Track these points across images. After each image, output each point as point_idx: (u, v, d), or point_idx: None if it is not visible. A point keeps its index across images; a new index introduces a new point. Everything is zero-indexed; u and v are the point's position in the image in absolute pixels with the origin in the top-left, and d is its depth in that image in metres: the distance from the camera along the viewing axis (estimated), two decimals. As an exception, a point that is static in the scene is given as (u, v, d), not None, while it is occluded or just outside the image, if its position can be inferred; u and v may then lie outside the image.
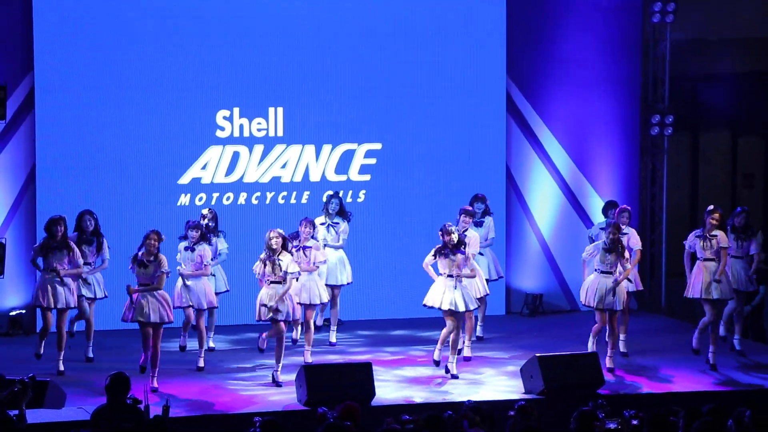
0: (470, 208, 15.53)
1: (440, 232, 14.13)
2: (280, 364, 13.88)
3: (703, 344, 14.88)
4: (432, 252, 14.15)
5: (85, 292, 14.75)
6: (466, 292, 14.16)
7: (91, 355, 15.01)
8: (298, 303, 14.32)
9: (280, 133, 17.38)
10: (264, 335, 13.90)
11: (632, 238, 15.47)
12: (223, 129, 17.22)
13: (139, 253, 13.73)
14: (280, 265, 13.76)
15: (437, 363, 14.28)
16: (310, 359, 14.75)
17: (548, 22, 18.10)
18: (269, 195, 17.39)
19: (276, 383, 13.80)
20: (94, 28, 16.66)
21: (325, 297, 15.09)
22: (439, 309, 14.07)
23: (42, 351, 14.29)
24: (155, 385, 13.55)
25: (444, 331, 14.18)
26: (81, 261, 14.37)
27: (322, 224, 15.79)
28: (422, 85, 17.69)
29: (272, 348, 13.96)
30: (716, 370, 14.61)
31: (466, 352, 15.08)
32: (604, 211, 16.50)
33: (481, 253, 15.61)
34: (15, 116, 16.47)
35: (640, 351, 15.61)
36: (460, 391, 13.70)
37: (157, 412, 10.43)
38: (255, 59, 17.20)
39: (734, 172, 20.61)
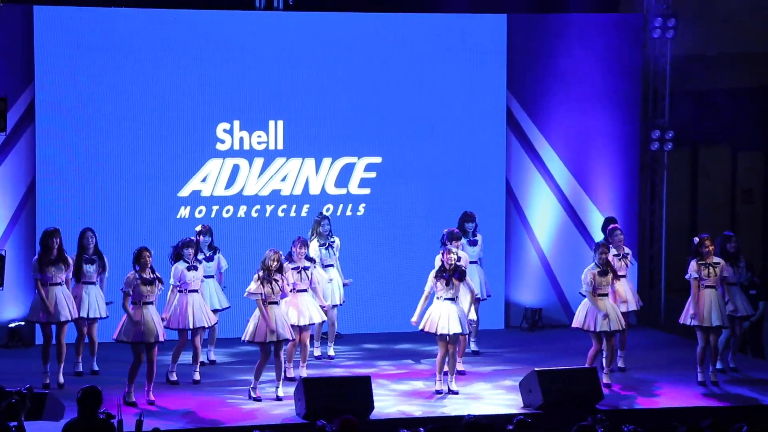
0: (457, 231, 15.44)
1: (442, 252, 14.14)
2: (256, 381, 13.91)
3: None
4: (432, 275, 14.13)
5: (85, 313, 14.75)
6: (462, 315, 14.18)
7: (96, 368, 14.98)
8: (292, 324, 14.33)
9: (280, 146, 17.39)
10: (256, 388, 13.93)
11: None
12: (223, 142, 17.23)
13: (140, 274, 13.64)
14: (278, 285, 13.78)
15: (440, 392, 14.23)
16: (305, 374, 14.76)
17: (549, 37, 18.12)
18: (269, 208, 17.39)
19: (254, 399, 13.86)
20: (94, 41, 16.68)
21: (319, 317, 14.95)
22: (438, 334, 14.06)
23: (49, 374, 14.24)
24: (152, 398, 13.52)
25: (438, 358, 14.18)
26: (70, 274, 14.40)
27: (322, 245, 15.74)
28: (423, 98, 17.71)
29: (268, 362, 13.98)
30: (717, 386, 14.62)
31: (459, 367, 15.04)
32: (603, 228, 16.46)
33: None
34: (15, 128, 16.48)
35: (639, 366, 15.60)
36: (459, 405, 13.70)
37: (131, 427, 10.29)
38: (255, 72, 17.23)
39: (734, 188, 20.62)
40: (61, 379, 14.26)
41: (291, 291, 14.45)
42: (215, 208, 17.20)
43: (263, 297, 13.72)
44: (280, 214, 17.40)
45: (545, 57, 18.11)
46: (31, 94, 16.59)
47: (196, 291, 14.56)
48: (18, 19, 16.53)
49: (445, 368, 14.20)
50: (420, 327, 14.20)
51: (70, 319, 14.30)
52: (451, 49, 17.75)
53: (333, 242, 15.86)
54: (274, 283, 13.74)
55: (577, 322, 14.57)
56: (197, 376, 14.65)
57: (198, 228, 15.40)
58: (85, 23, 16.67)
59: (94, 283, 14.80)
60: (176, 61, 16.98)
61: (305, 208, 17.41)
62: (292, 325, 14.32)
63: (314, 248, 15.63)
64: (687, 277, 14.72)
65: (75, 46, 16.64)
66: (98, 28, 16.70)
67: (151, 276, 13.65)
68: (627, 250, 15.57)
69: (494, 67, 17.90)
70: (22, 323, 16.39)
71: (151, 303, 13.67)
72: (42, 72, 16.57)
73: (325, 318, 15.16)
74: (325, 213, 16.45)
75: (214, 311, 15.10)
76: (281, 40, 17.30)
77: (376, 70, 17.58)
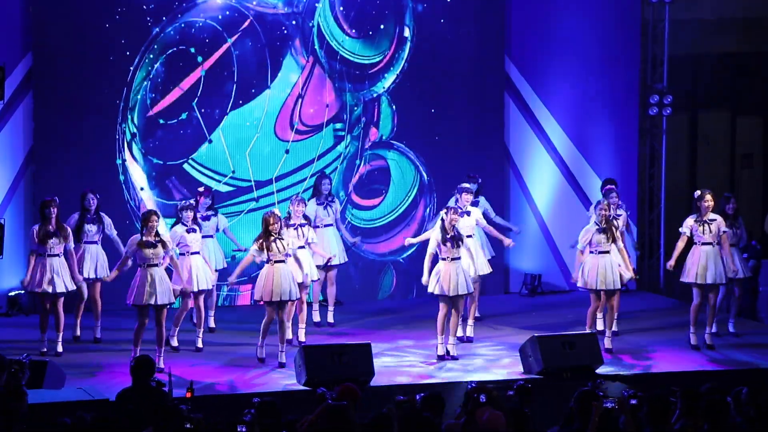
0: (469, 186, 15.39)
1: (444, 212, 14.07)
2: (263, 339, 13.94)
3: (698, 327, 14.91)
4: (434, 241, 14.10)
5: (90, 272, 14.73)
6: (466, 274, 14.19)
7: (99, 335, 14.97)
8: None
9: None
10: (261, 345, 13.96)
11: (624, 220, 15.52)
12: (221, 110, 17.19)
13: (143, 237, 13.68)
14: (283, 243, 13.79)
15: (442, 357, 14.21)
16: (303, 338, 14.78)
17: (547, 2, 18.05)
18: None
19: (259, 359, 13.90)
20: (91, 8, 16.59)
21: (316, 275, 15.00)
22: (446, 294, 14.04)
23: (46, 342, 14.23)
24: (161, 365, 13.39)
25: (440, 317, 14.12)
26: (72, 245, 14.34)
27: (320, 204, 15.71)
28: (421, 65, 17.63)
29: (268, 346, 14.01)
30: (713, 349, 14.65)
31: (469, 332, 15.08)
32: (602, 189, 16.43)
33: (469, 236, 15.00)
34: (13, 97, 16.40)
35: (638, 331, 15.62)
36: (461, 371, 13.73)
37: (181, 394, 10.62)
38: (253, 49, 17.16)
39: (733, 153, 20.59)
40: (60, 348, 14.22)
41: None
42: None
43: (268, 257, 13.74)
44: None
45: (544, 22, 18.03)
46: (29, 62, 16.52)
47: (197, 253, 14.51)
48: (14, -13, 16.48)
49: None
50: (430, 290, 14.16)
51: (66, 290, 14.25)
52: (449, 16, 17.66)
53: (332, 202, 15.83)
54: (279, 242, 13.75)
55: (579, 282, 14.59)
56: (200, 344, 14.62)
57: (201, 189, 15.42)
58: (81, -9, 16.61)
59: (96, 242, 14.81)
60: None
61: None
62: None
63: (311, 207, 15.57)
64: (680, 230, 14.76)
65: (72, 14, 16.54)
66: (95, -4, 16.65)
67: (155, 239, 13.64)
68: (620, 212, 15.43)
69: (493, 33, 17.82)
70: (22, 291, 16.39)
71: (157, 265, 13.66)
72: (39, 40, 16.49)
73: (317, 277, 15.12)
74: (322, 172, 16.34)
75: (216, 271, 15.12)
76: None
77: (374, 36, 17.52)
